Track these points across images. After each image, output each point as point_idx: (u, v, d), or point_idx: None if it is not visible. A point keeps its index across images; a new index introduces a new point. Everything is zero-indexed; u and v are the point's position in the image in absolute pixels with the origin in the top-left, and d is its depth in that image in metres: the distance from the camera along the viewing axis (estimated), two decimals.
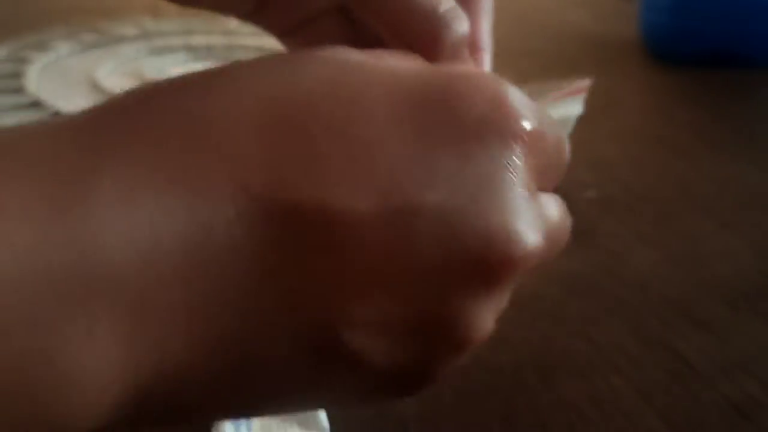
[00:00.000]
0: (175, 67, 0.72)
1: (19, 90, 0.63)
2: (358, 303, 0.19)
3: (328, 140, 0.19)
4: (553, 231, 0.22)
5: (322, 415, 0.31)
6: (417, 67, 0.21)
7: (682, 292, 0.42)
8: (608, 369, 0.36)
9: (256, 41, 0.79)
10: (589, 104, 0.70)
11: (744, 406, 0.34)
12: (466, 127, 0.20)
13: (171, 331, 0.17)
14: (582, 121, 0.65)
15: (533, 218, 0.21)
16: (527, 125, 0.21)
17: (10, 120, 0.58)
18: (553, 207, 0.23)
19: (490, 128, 0.20)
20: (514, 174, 0.20)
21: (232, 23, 0.85)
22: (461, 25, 0.25)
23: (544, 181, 0.23)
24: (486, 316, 0.20)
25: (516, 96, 0.21)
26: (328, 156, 0.18)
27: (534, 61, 0.80)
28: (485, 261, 0.19)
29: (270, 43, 0.78)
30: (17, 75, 0.66)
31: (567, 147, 0.24)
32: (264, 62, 0.20)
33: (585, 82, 0.30)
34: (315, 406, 0.26)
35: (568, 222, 0.24)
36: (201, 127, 0.18)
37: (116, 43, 0.77)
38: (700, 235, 0.47)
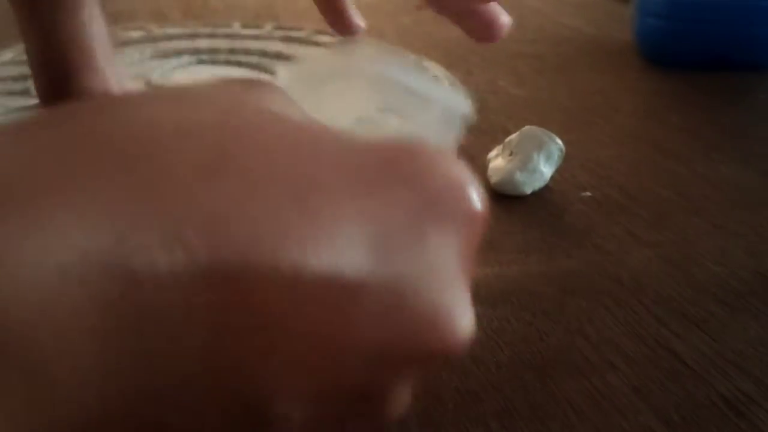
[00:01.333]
0: (180, 70, 0.73)
1: (25, 92, 0.63)
2: (292, 375, 0.17)
3: (280, 193, 0.17)
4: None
5: None
6: (363, 138, 0.20)
7: (677, 291, 0.42)
8: (604, 367, 0.36)
9: (258, 45, 0.80)
10: (585, 107, 0.71)
11: (737, 402, 0.34)
12: (423, 202, 0.18)
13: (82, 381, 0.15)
14: (578, 122, 0.66)
15: (469, 304, 0.20)
16: (479, 208, 0.20)
17: None
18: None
19: (447, 207, 0.19)
20: (460, 256, 0.19)
21: (236, 27, 0.85)
22: None
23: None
24: (407, 392, 0.19)
25: (470, 176, 0.20)
26: (279, 212, 0.17)
27: (530, 63, 0.80)
28: (426, 345, 0.18)
29: (272, 46, 0.79)
30: (23, 77, 0.66)
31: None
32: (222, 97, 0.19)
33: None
34: None
35: None
36: (132, 161, 0.16)
37: (121, 46, 0.77)
38: (694, 235, 0.48)
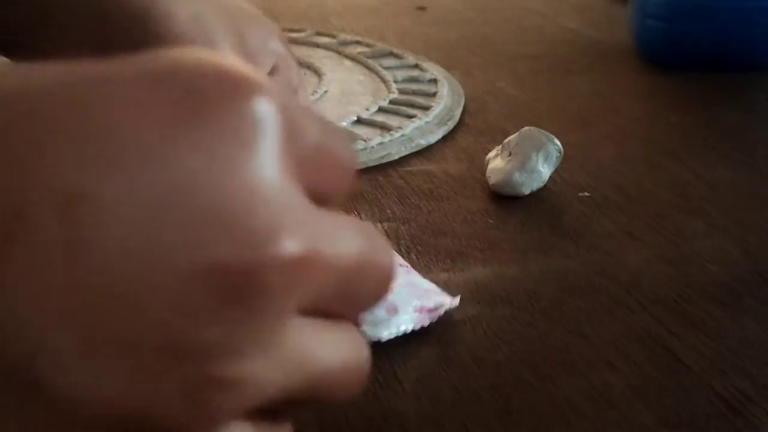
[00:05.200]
0: None
1: None
2: (58, 328, 0.15)
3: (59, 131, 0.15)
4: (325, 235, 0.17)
5: None
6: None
7: (675, 290, 0.42)
8: (603, 366, 0.36)
9: None
10: (583, 108, 0.71)
11: (735, 401, 0.34)
12: (192, 107, 0.16)
13: None
14: (576, 123, 0.66)
15: (296, 222, 0.16)
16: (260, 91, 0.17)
17: None
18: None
19: (217, 102, 0.16)
20: (261, 157, 0.16)
21: None
22: None
23: (310, 178, 0.18)
24: (238, 344, 0.16)
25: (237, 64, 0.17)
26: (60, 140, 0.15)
27: (530, 64, 0.81)
28: (225, 267, 0.15)
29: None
30: None
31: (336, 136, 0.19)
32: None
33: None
34: None
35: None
36: None
37: None
38: (692, 236, 0.48)
